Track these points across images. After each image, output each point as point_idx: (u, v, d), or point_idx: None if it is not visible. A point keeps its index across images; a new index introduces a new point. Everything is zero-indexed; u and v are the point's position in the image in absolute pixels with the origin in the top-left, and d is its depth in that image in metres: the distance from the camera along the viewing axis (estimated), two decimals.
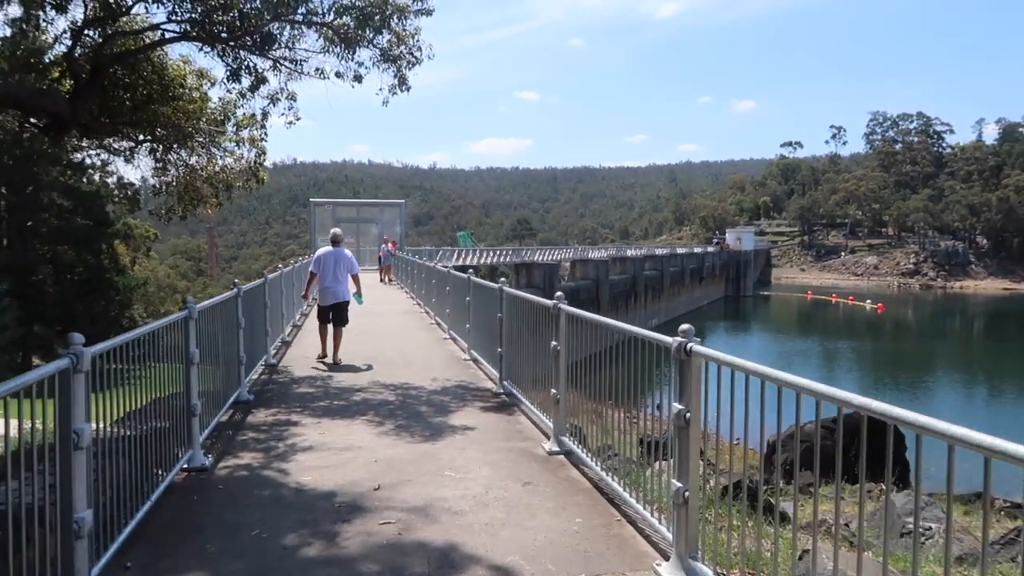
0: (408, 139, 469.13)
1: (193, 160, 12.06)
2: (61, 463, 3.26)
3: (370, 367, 9.98)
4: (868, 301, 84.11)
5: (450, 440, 6.29)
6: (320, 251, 10.76)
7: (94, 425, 3.59)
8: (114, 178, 19.11)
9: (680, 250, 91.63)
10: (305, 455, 5.84)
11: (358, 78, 10.15)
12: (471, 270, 10.71)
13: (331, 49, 9.88)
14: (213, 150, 12.41)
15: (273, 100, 10.62)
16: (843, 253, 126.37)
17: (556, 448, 5.89)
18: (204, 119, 11.07)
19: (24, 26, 8.46)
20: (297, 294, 14.78)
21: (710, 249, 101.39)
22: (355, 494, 4.91)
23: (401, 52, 9.81)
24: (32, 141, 36.85)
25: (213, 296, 7.29)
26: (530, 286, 46.78)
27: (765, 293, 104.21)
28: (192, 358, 5.45)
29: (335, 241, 10.74)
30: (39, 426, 3.22)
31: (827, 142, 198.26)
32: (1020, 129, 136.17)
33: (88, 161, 42.19)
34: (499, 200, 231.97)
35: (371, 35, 9.44)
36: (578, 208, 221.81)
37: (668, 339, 3.86)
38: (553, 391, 5.92)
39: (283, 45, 9.68)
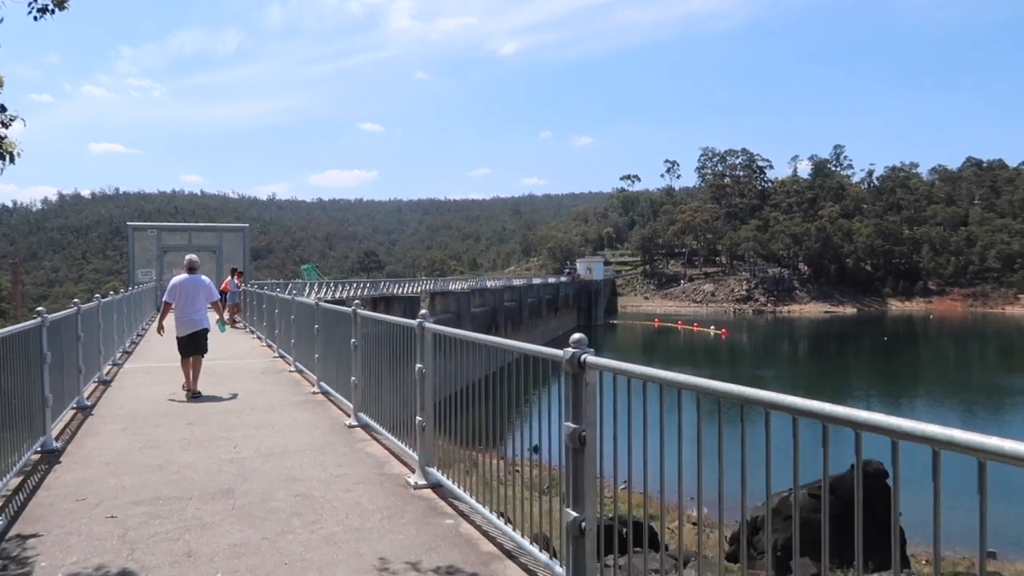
0: (245, 170, 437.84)
1: None
2: None
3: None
4: (712, 327, 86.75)
5: None
6: (176, 279, 10.47)
7: None
8: None
9: (536, 280, 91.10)
10: None
11: None
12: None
13: None
14: None
15: None
16: (682, 281, 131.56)
17: None
18: None
19: None
20: (84, 351, 10.04)
21: (562, 279, 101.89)
22: None
23: None
24: None
25: None
26: None
27: (615, 322, 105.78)
28: None
29: (191, 268, 10.51)
30: None
31: (663, 176, 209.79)
32: (829, 166, 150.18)
33: None
34: (343, 232, 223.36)
35: None
36: (424, 240, 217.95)
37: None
38: None
39: None
